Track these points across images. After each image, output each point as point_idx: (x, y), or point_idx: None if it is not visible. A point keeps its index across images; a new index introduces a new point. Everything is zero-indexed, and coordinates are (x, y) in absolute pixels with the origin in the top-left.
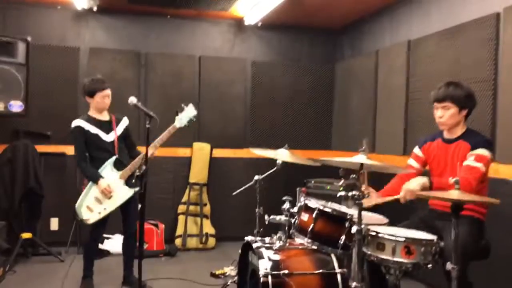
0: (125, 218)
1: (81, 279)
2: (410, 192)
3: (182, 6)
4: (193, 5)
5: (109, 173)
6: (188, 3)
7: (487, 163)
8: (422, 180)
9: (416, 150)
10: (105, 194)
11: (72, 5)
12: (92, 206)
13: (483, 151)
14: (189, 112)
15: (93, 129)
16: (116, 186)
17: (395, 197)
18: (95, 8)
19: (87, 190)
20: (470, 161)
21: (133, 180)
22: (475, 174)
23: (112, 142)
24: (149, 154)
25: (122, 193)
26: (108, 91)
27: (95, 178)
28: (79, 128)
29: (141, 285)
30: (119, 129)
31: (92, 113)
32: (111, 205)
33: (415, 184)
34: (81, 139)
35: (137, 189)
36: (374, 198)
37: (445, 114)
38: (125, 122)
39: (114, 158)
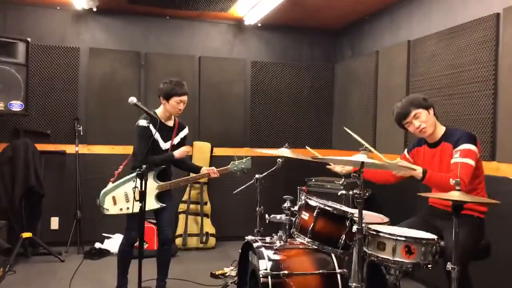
0: (158, 225)
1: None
2: (398, 166)
3: (181, 7)
4: (193, 6)
5: (150, 180)
6: (187, 3)
7: (474, 157)
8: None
9: (406, 153)
10: (183, 153)
11: (72, 6)
12: (118, 199)
13: (467, 146)
14: (245, 165)
15: (156, 135)
16: (149, 193)
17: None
18: (94, 9)
19: (120, 182)
20: (456, 158)
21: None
22: (465, 170)
23: (166, 150)
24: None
25: (149, 203)
26: (185, 97)
27: (171, 156)
28: (146, 128)
29: (141, 286)
30: (177, 138)
31: (160, 114)
32: (135, 207)
33: (407, 164)
34: (145, 138)
35: (163, 205)
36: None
37: (421, 122)
38: (184, 132)
39: (160, 168)
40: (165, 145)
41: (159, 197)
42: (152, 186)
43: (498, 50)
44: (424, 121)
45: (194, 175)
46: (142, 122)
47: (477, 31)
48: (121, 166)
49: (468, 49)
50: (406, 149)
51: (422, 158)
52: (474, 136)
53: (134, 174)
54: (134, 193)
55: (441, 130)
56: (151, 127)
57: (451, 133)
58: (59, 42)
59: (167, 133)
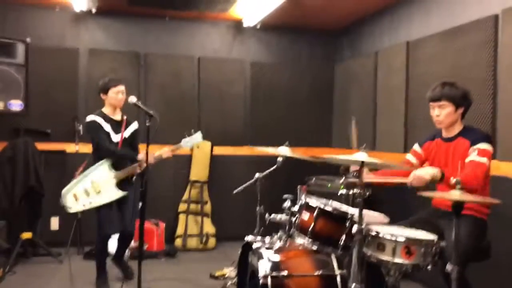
0: (121, 219)
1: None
2: (419, 178)
3: (181, 8)
4: (192, 7)
5: (105, 170)
6: (187, 4)
7: (490, 158)
8: (433, 170)
9: (416, 147)
10: (156, 157)
11: (71, 7)
12: (79, 196)
13: (485, 145)
14: (195, 138)
15: (107, 127)
16: (106, 184)
17: (403, 180)
18: (94, 10)
19: (79, 179)
20: (473, 156)
21: (131, 180)
22: (481, 168)
23: (117, 143)
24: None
25: (110, 192)
26: (121, 87)
27: (134, 156)
28: (95, 122)
29: (140, 286)
30: (127, 132)
31: (105, 110)
32: (97, 201)
33: (425, 172)
34: (100, 131)
35: (125, 193)
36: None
37: (441, 113)
38: (134, 126)
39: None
40: (115, 137)
41: (119, 186)
42: (109, 176)
43: (497, 51)
44: (444, 115)
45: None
46: (91, 117)
47: (476, 32)
48: (80, 168)
49: (467, 50)
50: (417, 143)
51: (433, 152)
52: (490, 136)
53: (90, 168)
54: (93, 187)
55: (459, 126)
56: (101, 120)
57: (470, 131)
58: (58, 43)
59: (116, 127)
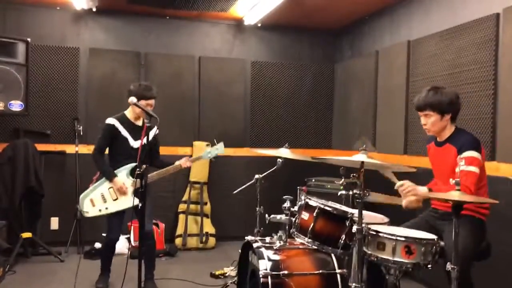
0: (139, 220)
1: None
2: (410, 202)
3: (181, 7)
4: (193, 6)
5: (123, 177)
6: (187, 3)
7: (479, 164)
8: (423, 190)
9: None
10: (121, 192)
11: (72, 6)
12: (96, 201)
13: (471, 153)
14: (218, 150)
15: (124, 132)
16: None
17: (398, 203)
18: (94, 9)
19: (97, 184)
20: (462, 166)
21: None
22: (471, 178)
23: (137, 149)
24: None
25: (126, 201)
26: (152, 101)
27: (111, 176)
28: (111, 127)
29: (141, 285)
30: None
31: (129, 114)
32: (113, 207)
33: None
34: (107, 137)
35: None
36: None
37: (427, 122)
38: (154, 131)
39: (133, 165)
40: (135, 143)
41: (135, 193)
42: (127, 183)
43: (498, 50)
44: (431, 124)
45: (167, 168)
46: (109, 120)
47: (477, 31)
48: (97, 174)
49: (468, 49)
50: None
51: (431, 155)
52: (478, 141)
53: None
54: (110, 193)
55: (450, 130)
56: (118, 125)
57: (458, 136)
58: (59, 42)
59: (137, 132)
